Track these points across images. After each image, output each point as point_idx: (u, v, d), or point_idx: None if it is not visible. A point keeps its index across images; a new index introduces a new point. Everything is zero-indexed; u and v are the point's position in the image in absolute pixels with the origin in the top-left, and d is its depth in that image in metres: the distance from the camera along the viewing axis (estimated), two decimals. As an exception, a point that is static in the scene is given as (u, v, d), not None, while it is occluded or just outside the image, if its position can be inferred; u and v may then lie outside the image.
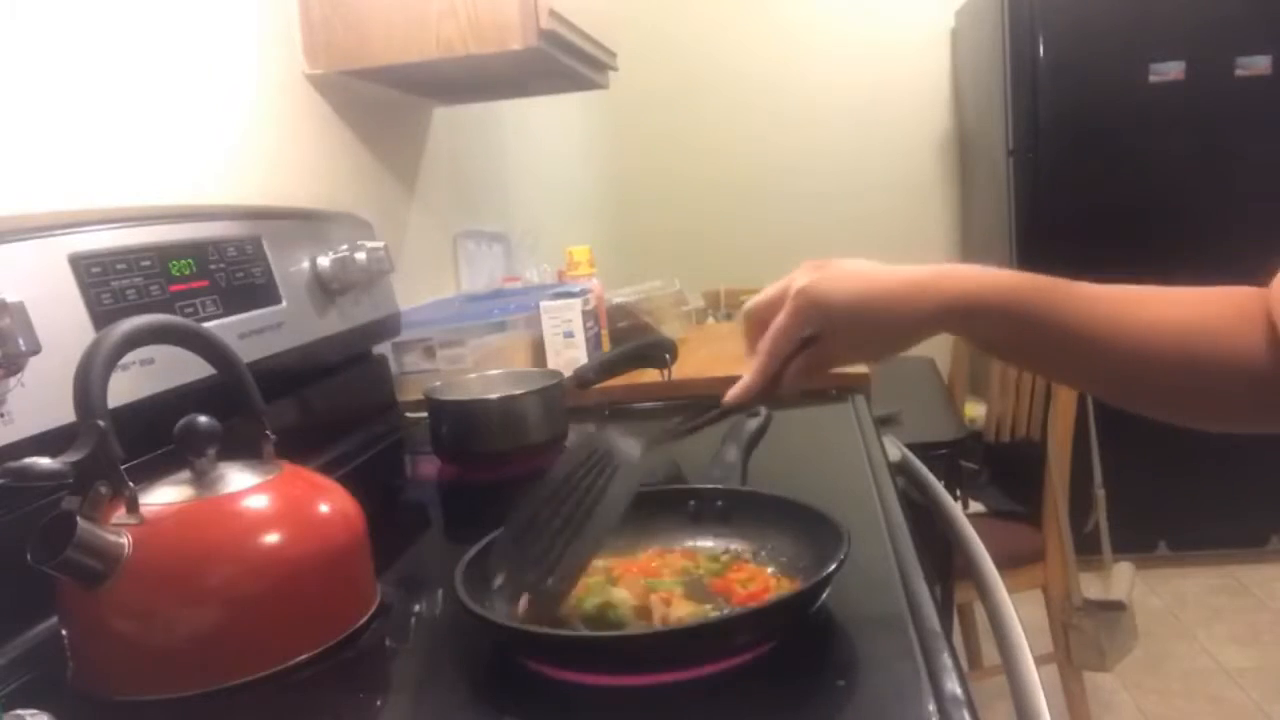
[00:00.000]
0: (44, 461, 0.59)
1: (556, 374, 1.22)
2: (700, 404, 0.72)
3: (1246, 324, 0.60)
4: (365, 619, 0.71)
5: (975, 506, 2.44)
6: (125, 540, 0.61)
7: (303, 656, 0.66)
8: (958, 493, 2.31)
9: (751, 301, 0.71)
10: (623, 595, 0.67)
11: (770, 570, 0.71)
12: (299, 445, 0.84)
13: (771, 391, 0.69)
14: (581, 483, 0.67)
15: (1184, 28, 2.84)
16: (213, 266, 0.97)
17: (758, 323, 0.71)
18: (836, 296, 0.66)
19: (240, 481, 0.68)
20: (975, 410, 2.65)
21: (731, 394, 0.69)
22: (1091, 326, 0.63)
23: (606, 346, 1.59)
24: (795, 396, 0.70)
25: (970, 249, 3.68)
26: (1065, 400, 2.09)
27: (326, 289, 1.19)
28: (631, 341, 1.39)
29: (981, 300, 0.64)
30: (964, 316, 0.64)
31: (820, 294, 0.66)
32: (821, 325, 0.67)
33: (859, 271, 0.67)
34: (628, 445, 0.68)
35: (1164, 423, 0.66)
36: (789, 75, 3.73)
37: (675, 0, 3.71)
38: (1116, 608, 2.14)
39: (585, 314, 1.50)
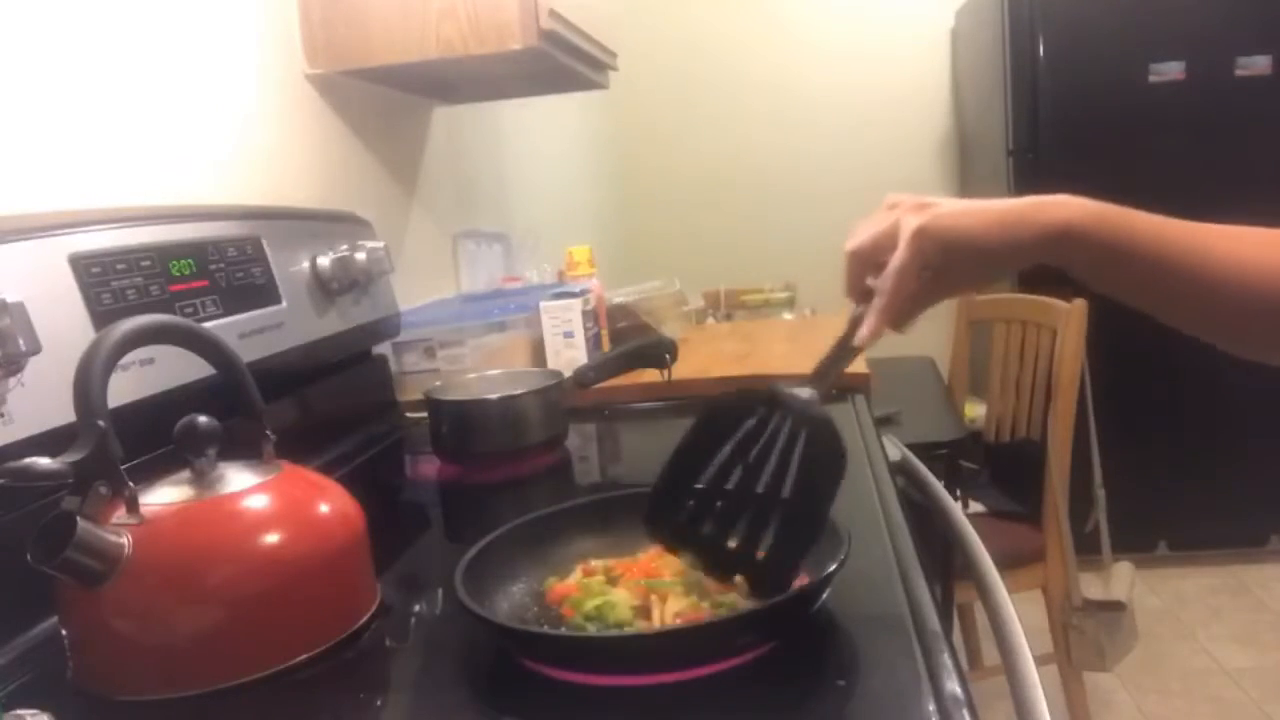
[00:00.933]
0: (44, 461, 0.59)
1: (556, 374, 1.22)
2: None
3: None
4: (365, 619, 0.71)
5: (975, 506, 2.43)
6: (125, 540, 0.61)
7: (303, 656, 0.65)
8: (958, 493, 2.31)
9: (855, 243, 0.72)
10: (623, 595, 0.67)
11: (770, 570, 0.71)
12: (299, 445, 0.84)
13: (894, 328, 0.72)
14: (771, 443, 0.68)
15: (1184, 28, 2.84)
16: (213, 266, 0.97)
17: (862, 263, 0.72)
18: (956, 235, 0.68)
19: (240, 481, 0.68)
20: (975, 410, 2.65)
21: (861, 335, 0.70)
22: (1179, 260, 0.67)
23: (606, 346, 1.59)
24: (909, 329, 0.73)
25: (970, 249, 3.68)
26: (1065, 400, 2.09)
27: (326, 289, 1.19)
28: (631, 341, 1.39)
29: (1072, 229, 0.67)
30: (1057, 244, 0.67)
31: (942, 232, 0.68)
32: (939, 261, 0.69)
33: (967, 209, 0.70)
34: (805, 402, 0.69)
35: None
36: (789, 75, 3.73)
37: (675, 0, 3.71)
38: (1116, 608, 2.14)
39: (585, 314, 1.50)
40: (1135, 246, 0.67)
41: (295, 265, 1.14)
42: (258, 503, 0.68)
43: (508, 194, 2.38)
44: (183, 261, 0.93)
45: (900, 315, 0.70)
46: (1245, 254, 0.67)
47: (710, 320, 2.76)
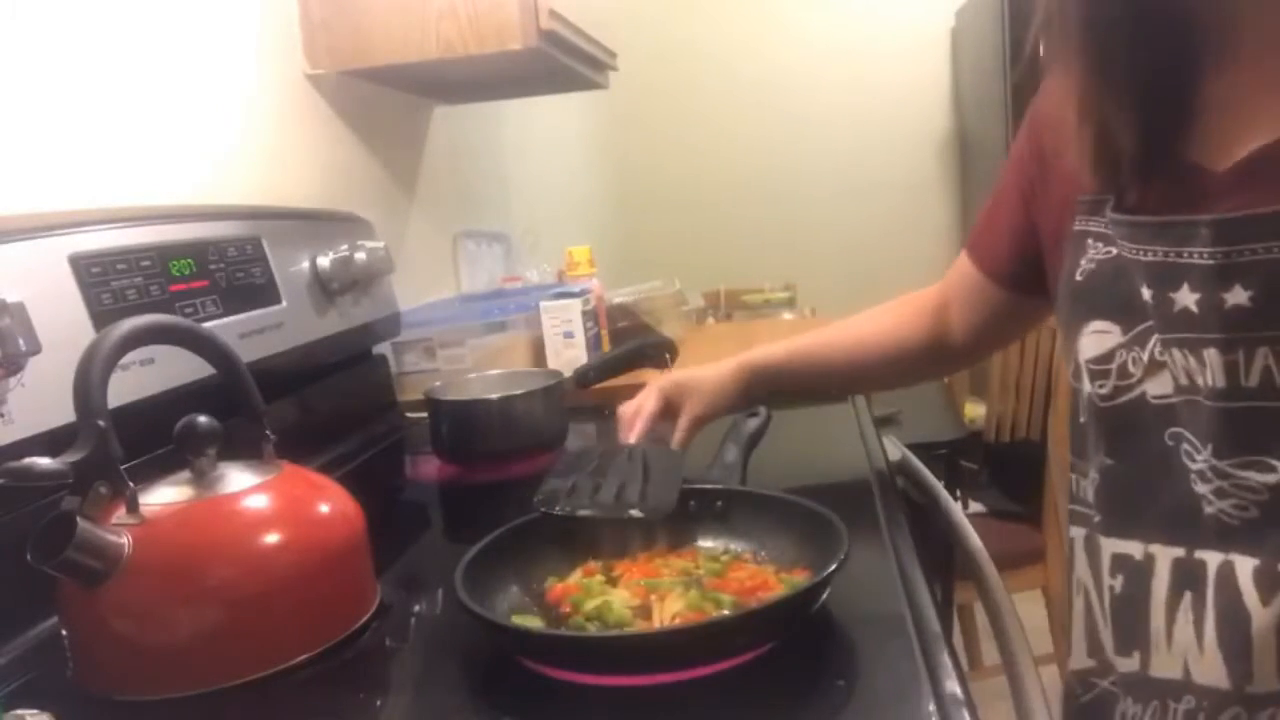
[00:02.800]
0: (44, 461, 0.59)
1: (556, 374, 1.22)
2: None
3: (915, 319, 0.96)
4: (365, 619, 0.71)
5: (975, 506, 2.44)
6: (125, 540, 0.61)
7: (303, 656, 0.66)
8: (958, 493, 2.31)
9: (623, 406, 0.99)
10: (623, 595, 0.67)
11: (771, 570, 0.71)
12: (299, 445, 0.84)
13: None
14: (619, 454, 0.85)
15: (1184, 28, 2.84)
16: (213, 266, 0.97)
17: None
18: (681, 375, 0.99)
19: (240, 481, 0.68)
20: (975, 410, 2.65)
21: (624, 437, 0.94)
22: (828, 361, 1.00)
23: (606, 346, 1.59)
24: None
25: (970, 249, 3.68)
26: (1065, 400, 2.09)
27: (326, 289, 1.18)
28: (631, 341, 1.39)
29: (752, 360, 0.99)
30: (744, 372, 0.98)
31: (672, 376, 1.00)
32: (671, 392, 0.97)
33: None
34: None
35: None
36: (789, 75, 3.74)
37: (675, 0, 3.71)
38: (1116, 608, 2.13)
39: (585, 314, 1.50)
40: (794, 363, 1.00)
41: (295, 265, 1.14)
42: (258, 503, 0.68)
43: (508, 194, 2.38)
44: (183, 261, 0.93)
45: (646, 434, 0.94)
46: (860, 334, 1.00)
47: (710, 320, 2.76)
